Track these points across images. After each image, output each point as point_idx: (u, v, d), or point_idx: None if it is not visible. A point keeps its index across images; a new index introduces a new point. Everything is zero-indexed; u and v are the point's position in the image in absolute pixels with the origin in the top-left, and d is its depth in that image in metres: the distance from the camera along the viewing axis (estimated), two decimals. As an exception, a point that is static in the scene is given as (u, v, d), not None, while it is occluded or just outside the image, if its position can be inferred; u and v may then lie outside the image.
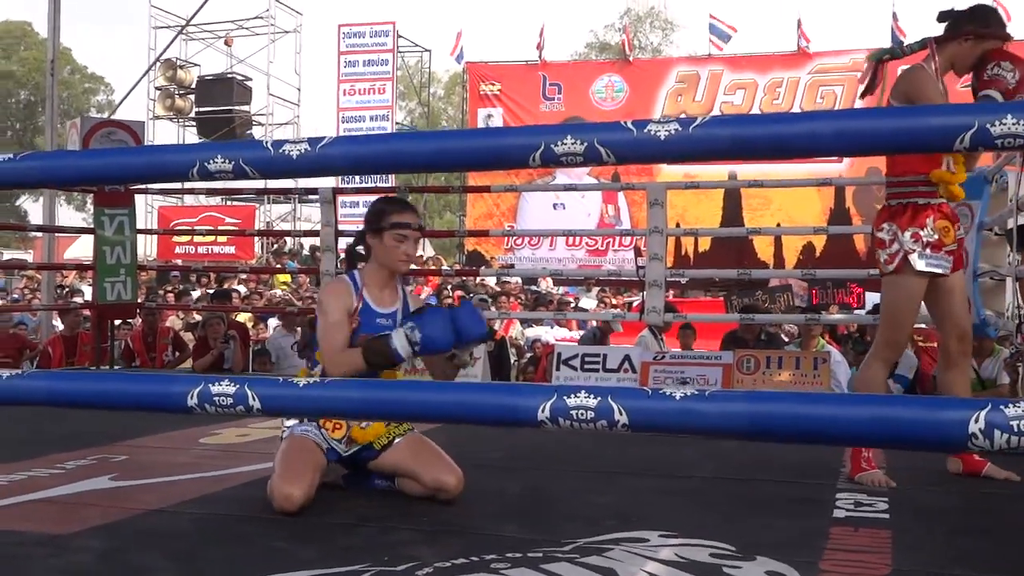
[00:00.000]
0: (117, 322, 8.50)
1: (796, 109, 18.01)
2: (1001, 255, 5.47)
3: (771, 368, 6.27)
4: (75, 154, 2.46)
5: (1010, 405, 1.36)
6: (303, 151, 1.70)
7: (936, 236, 3.45)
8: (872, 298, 11.85)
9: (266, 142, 1.74)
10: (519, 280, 15.63)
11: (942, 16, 3.62)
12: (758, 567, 2.49)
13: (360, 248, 3.38)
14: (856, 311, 10.51)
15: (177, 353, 8.77)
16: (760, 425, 1.50)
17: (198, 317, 9.85)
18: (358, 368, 3.05)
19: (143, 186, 8.54)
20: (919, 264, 3.42)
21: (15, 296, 15.53)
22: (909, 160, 3.49)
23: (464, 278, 13.73)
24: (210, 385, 1.74)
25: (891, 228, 3.47)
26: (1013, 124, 1.40)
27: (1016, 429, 1.34)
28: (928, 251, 3.43)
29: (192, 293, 13.74)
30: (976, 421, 1.36)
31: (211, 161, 1.75)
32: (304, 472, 3.09)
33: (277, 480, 3.08)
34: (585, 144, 1.59)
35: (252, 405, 1.72)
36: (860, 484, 3.54)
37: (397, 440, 3.31)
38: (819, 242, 17.68)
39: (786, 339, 9.03)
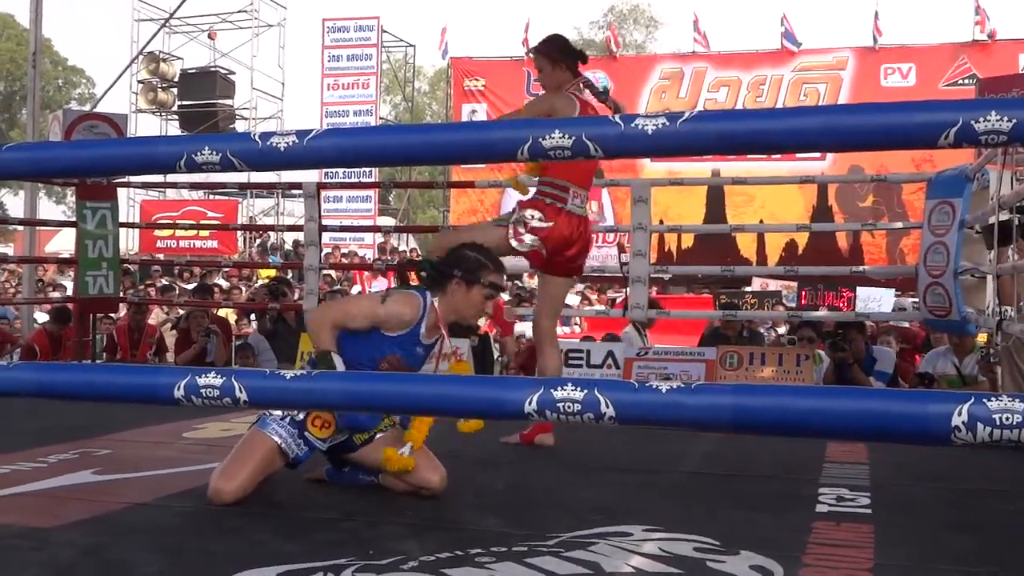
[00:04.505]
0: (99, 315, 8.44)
1: (780, 107, 18.05)
2: (982, 253, 5.51)
3: (754, 364, 6.29)
4: (61, 145, 2.45)
5: (992, 399, 1.37)
6: (291, 143, 1.70)
7: None
8: (864, 294, 11.78)
9: (254, 134, 1.74)
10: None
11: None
12: (742, 561, 2.50)
13: (432, 277, 3.36)
14: (846, 313, 10.46)
15: (157, 359, 8.72)
16: (745, 418, 1.51)
17: (181, 312, 9.80)
18: (315, 345, 3.19)
19: (125, 179, 8.48)
20: None
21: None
22: None
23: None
24: (197, 377, 1.74)
25: None
26: (997, 121, 1.41)
27: (998, 422, 1.36)
28: None
29: (174, 288, 13.67)
30: (959, 414, 1.37)
31: (199, 153, 1.75)
32: (242, 470, 3.12)
33: (215, 473, 3.15)
34: (573, 138, 1.60)
35: (239, 397, 1.72)
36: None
37: (379, 436, 3.30)
38: (801, 239, 17.74)
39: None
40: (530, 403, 1.58)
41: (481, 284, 3.29)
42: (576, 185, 4.15)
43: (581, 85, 4.25)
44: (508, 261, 3.92)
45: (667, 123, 1.59)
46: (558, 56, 4.26)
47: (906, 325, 8.64)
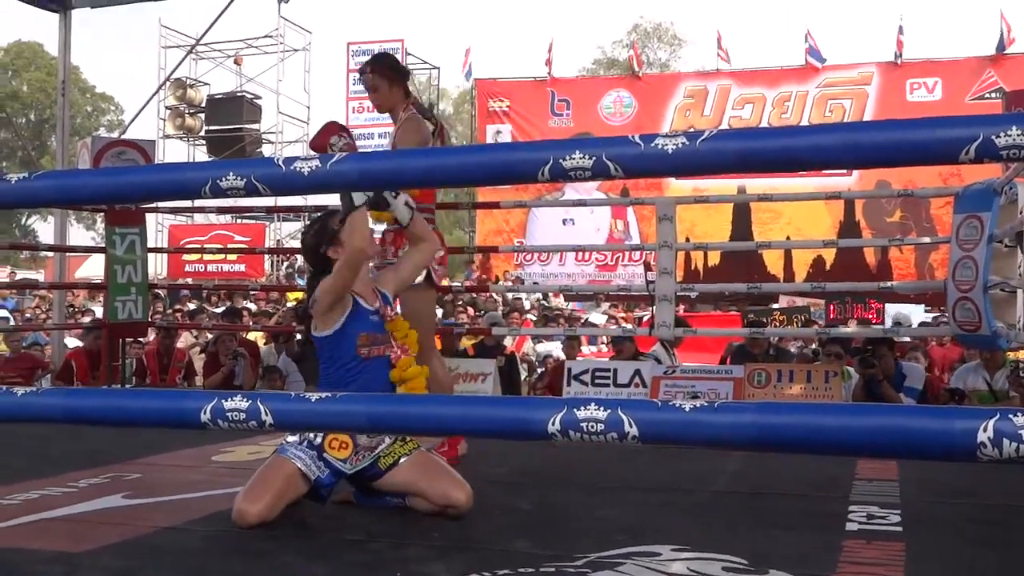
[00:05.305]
0: (128, 340, 8.50)
1: (805, 123, 17.99)
2: (1011, 266, 5.46)
3: (782, 382, 6.25)
4: (88, 173, 2.48)
5: (1019, 414, 1.36)
6: (314, 168, 1.72)
7: None
8: (891, 310, 11.73)
9: (277, 159, 1.76)
10: (538, 296, 15.60)
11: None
12: (770, 580, 2.49)
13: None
14: (874, 327, 10.32)
15: (186, 383, 8.77)
16: (769, 436, 1.50)
17: (209, 335, 9.87)
18: (364, 219, 3.33)
19: (153, 204, 8.57)
20: None
21: (28, 316, 15.59)
22: None
23: (475, 294, 13.73)
24: (223, 401, 1.75)
25: None
26: (1019, 135, 1.40)
27: (1025, 438, 1.34)
28: None
29: (202, 311, 13.77)
30: (985, 430, 1.36)
31: (223, 179, 1.77)
32: (265, 492, 3.14)
33: (239, 495, 3.18)
34: (593, 159, 1.60)
35: (265, 420, 1.73)
36: None
37: (403, 459, 3.31)
38: (829, 255, 17.65)
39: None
40: (553, 423, 1.58)
41: (340, 230, 3.36)
42: (434, 207, 4.38)
43: (411, 104, 4.32)
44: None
45: (687, 142, 1.59)
46: (394, 75, 4.31)
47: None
